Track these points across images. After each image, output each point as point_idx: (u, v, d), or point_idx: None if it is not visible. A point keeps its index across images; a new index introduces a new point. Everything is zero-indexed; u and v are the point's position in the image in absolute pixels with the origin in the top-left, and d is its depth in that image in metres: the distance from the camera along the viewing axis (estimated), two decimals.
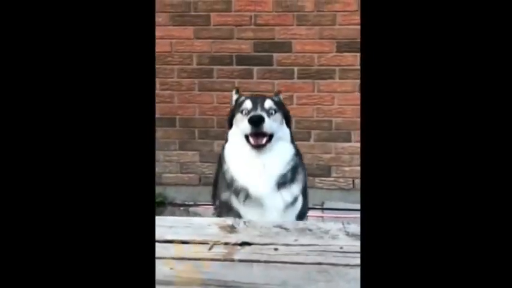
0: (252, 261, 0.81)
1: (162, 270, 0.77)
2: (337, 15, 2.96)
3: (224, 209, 1.65)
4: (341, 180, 3.12)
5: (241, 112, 1.62)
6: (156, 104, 2.92)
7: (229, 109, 1.81)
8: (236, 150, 1.62)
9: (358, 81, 2.91)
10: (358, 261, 0.71)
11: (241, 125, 1.59)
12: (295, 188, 1.61)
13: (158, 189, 3.01)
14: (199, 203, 3.05)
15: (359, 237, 0.81)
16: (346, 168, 3.10)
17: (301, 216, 1.69)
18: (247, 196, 1.56)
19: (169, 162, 3.19)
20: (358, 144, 2.92)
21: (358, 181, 3.08)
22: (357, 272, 0.72)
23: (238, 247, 0.86)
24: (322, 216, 2.89)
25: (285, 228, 0.92)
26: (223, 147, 1.69)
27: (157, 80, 3.04)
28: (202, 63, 3.08)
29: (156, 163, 2.97)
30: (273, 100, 1.66)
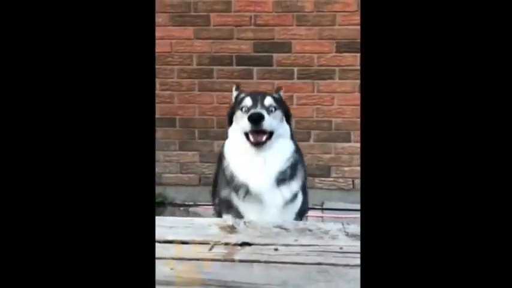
0: (252, 261, 0.82)
1: (162, 270, 0.77)
2: (336, 16, 2.96)
3: (224, 206, 1.64)
4: (341, 180, 3.12)
5: (241, 109, 1.61)
6: (156, 104, 2.92)
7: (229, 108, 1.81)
8: (236, 147, 1.61)
9: (358, 81, 2.91)
10: (358, 261, 0.71)
11: (241, 123, 1.58)
12: (295, 185, 1.61)
13: (158, 190, 3.01)
14: (199, 203, 3.05)
15: (359, 237, 0.81)
16: (346, 169, 3.10)
17: (301, 214, 1.69)
18: (247, 192, 1.56)
19: (169, 162, 3.19)
20: (358, 145, 2.92)
21: (357, 181, 3.08)
22: (356, 272, 0.72)
23: (239, 247, 0.86)
24: (322, 217, 2.89)
25: (285, 229, 0.92)
26: (223, 144, 1.68)
27: (157, 81, 3.04)
28: (202, 63, 3.08)
29: (156, 163, 2.97)
30: (273, 97, 1.65)
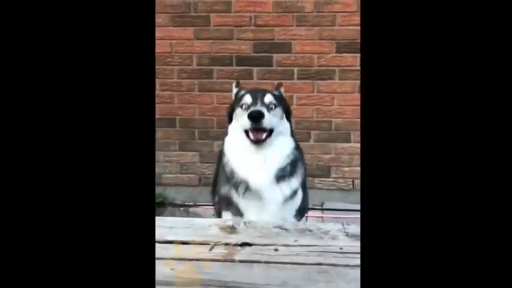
0: (253, 261, 0.82)
1: (162, 270, 0.77)
2: (336, 16, 2.96)
3: (223, 204, 1.64)
4: (341, 180, 3.12)
5: (241, 107, 1.60)
6: (156, 105, 2.92)
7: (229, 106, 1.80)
8: (236, 144, 1.61)
9: (358, 81, 2.91)
10: (357, 261, 0.71)
11: (241, 120, 1.57)
12: (295, 182, 1.60)
13: (158, 190, 3.01)
14: (199, 204, 3.05)
15: (359, 237, 0.81)
16: (346, 169, 3.10)
17: (302, 211, 1.68)
18: (247, 189, 1.56)
19: (169, 162, 3.19)
20: (358, 145, 2.92)
21: (357, 181, 3.08)
22: (356, 273, 0.72)
23: (239, 248, 0.86)
24: (321, 217, 2.89)
25: (285, 229, 0.92)
26: (223, 141, 1.68)
27: (157, 81, 3.04)
28: (202, 63, 3.08)
29: (156, 163, 2.98)
30: (273, 94, 1.64)
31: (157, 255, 0.75)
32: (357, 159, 3.00)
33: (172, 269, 0.79)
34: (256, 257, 0.83)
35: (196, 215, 2.97)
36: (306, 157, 1.89)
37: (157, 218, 0.86)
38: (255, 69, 3.04)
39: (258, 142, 1.54)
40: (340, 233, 0.90)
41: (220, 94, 3.03)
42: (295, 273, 0.78)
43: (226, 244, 0.87)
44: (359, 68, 2.80)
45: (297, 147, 1.65)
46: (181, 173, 3.21)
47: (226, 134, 1.68)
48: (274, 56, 3.03)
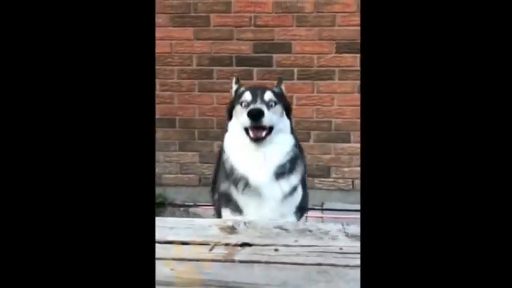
0: (253, 262, 0.82)
1: (162, 271, 0.77)
2: (336, 16, 2.96)
3: (223, 201, 1.63)
4: (340, 180, 3.12)
5: (241, 104, 1.60)
6: (156, 105, 2.92)
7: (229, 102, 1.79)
8: (236, 141, 1.60)
9: (358, 82, 2.91)
10: (357, 262, 0.71)
11: (241, 118, 1.56)
12: (294, 179, 1.60)
13: (158, 190, 3.01)
14: (199, 204, 3.05)
15: (358, 238, 0.81)
16: (346, 169, 3.10)
17: (302, 208, 1.68)
18: (247, 185, 1.55)
19: (169, 163, 3.19)
20: (358, 145, 2.93)
21: (357, 182, 3.09)
22: (356, 273, 0.72)
23: (239, 248, 0.86)
24: (321, 217, 2.89)
25: (285, 229, 0.92)
26: (223, 138, 1.67)
27: (157, 81, 3.05)
28: (202, 64, 3.08)
29: (156, 164, 2.98)
30: (273, 92, 1.63)
31: (157, 255, 0.75)
32: (357, 160, 3.00)
33: (172, 269, 0.79)
34: (256, 257, 0.83)
35: (196, 215, 2.97)
36: (306, 157, 1.89)
37: (157, 219, 0.86)
38: (255, 69, 3.04)
39: (257, 140, 1.53)
40: (340, 233, 0.91)
41: (220, 94, 3.03)
42: (295, 274, 0.78)
43: (227, 244, 0.87)
44: (359, 68, 2.81)
45: (297, 144, 1.64)
46: (181, 173, 3.21)
47: (226, 130, 1.68)
48: (274, 56, 3.03)
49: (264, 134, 1.53)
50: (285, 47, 3.02)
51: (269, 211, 1.55)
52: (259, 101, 1.56)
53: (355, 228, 0.91)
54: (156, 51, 2.85)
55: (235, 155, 1.59)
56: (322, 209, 2.98)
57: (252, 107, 1.52)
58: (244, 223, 0.95)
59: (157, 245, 0.81)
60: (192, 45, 3.07)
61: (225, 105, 1.77)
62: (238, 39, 3.04)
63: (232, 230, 0.93)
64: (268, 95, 1.59)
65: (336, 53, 2.99)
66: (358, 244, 0.72)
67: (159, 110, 3.03)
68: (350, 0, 2.93)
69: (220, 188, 1.65)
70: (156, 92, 3.03)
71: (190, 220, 1.00)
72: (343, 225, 0.93)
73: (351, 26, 2.92)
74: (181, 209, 3.11)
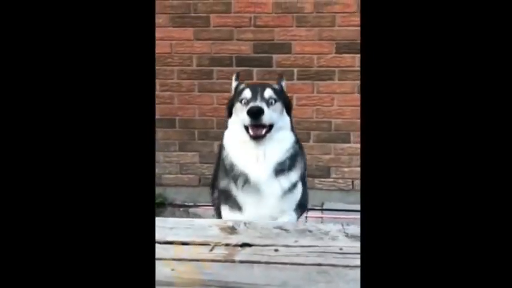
0: (253, 262, 0.82)
1: (163, 271, 0.77)
2: (336, 17, 2.96)
3: (222, 198, 1.63)
4: (340, 181, 3.12)
5: (241, 101, 1.58)
6: (156, 105, 2.92)
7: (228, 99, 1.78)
8: (236, 138, 1.60)
9: (358, 82, 2.92)
10: (357, 262, 0.71)
11: (241, 115, 1.55)
12: (294, 175, 1.59)
13: (158, 190, 3.02)
14: (199, 204, 3.05)
15: (358, 238, 0.81)
16: (346, 169, 3.10)
17: (302, 205, 1.67)
18: (246, 182, 1.54)
19: (169, 163, 3.19)
20: (357, 145, 2.93)
21: (357, 182, 3.09)
22: (356, 273, 0.72)
23: (239, 248, 0.86)
24: (321, 217, 2.89)
25: (285, 230, 0.92)
26: (223, 134, 1.67)
27: (157, 81, 3.05)
28: (202, 64, 3.08)
29: (156, 164, 2.98)
30: (273, 89, 1.62)
31: (158, 255, 0.75)
32: (357, 160, 3.00)
33: (172, 270, 0.79)
34: (256, 257, 0.83)
35: (196, 215, 2.97)
36: (306, 157, 1.89)
37: (158, 219, 0.86)
38: (255, 69, 3.04)
39: (257, 138, 1.52)
40: (340, 233, 0.91)
41: (220, 95, 3.03)
42: (296, 274, 0.78)
43: (227, 245, 0.87)
44: (358, 68, 2.81)
45: (297, 141, 1.64)
46: (181, 174, 3.21)
47: (226, 127, 1.67)
48: (274, 56, 3.03)
49: (263, 132, 1.52)
50: (285, 47, 3.02)
51: (269, 208, 1.55)
52: (259, 98, 1.55)
53: (355, 229, 0.91)
54: (156, 51, 2.85)
55: (235, 152, 1.59)
56: (322, 209, 2.99)
57: (251, 105, 1.51)
58: (245, 223, 0.95)
59: (157, 245, 0.81)
60: (192, 45, 3.07)
61: (225, 106, 1.76)
62: (238, 40, 3.04)
63: (232, 230, 0.93)
64: (268, 93, 1.58)
65: (336, 53, 2.99)
66: (358, 244, 0.72)
67: (159, 110, 3.04)
68: (350, 0, 2.93)
69: (219, 184, 1.65)
70: (156, 92, 3.03)
71: (191, 220, 1.00)
72: (343, 225, 0.93)
73: (350, 27, 2.92)
74: (181, 209, 3.12)
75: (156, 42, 2.71)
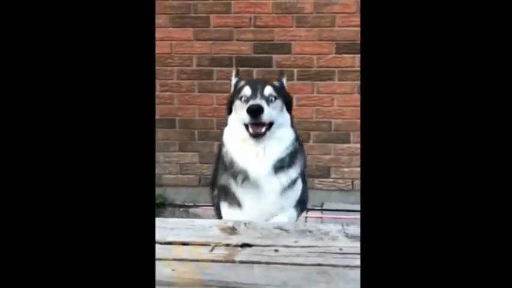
0: (253, 262, 0.82)
1: (163, 271, 0.78)
2: (336, 17, 2.96)
3: (222, 194, 1.62)
4: (340, 181, 3.12)
5: (241, 99, 1.57)
6: (156, 106, 2.92)
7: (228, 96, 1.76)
8: (235, 135, 1.59)
9: (357, 82, 2.92)
10: (357, 262, 0.71)
11: (241, 113, 1.54)
12: (293, 172, 1.57)
13: (158, 190, 3.02)
14: (199, 204, 3.05)
15: (358, 238, 0.81)
16: (346, 169, 3.10)
17: (302, 203, 1.66)
18: (246, 178, 1.53)
19: (169, 163, 3.20)
20: (357, 146, 2.93)
21: (357, 182, 3.09)
22: (356, 273, 0.72)
23: (239, 248, 0.86)
24: (321, 217, 2.89)
25: (285, 230, 0.93)
26: (222, 131, 1.66)
27: (157, 82, 3.05)
28: (202, 64, 3.08)
29: (156, 164, 2.98)
30: (273, 86, 1.60)
31: (158, 256, 0.75)
32: (357, 160, 3.01)
33: (173, 270, 0.79)
34: (256, 257, 0.83)
35: (196, 216, 2.97)
36: (306, 156, 1.89)
37: (158, 219, 0.86)
38: (255, 70, 3.04)
39: (257, 136, 1.51)
40: (340, 233, 0.91)
41: (220, 95, 3.03)
42: (296, 274, 0.78)
43: (227, 245, 0.87)
44: (358, 68, 2.81)
45: (297, 138, 1.62)
46: (181, 174, 3.21)
47: (225, 124, 1.66)
48: (274, 56, 3.03)
49: (263, 130, 1.51)
50: (284, 48, 3.02)
51: (268, 204, 1.54)
52: (259, 96, 1.53)
53: (355, 229, 0.91)
54: (156, 51, 2.85)
55: (234, 149, 1.58)
56: (322, 210, 2.99)
57: (251, 103, 1.50)
58: (245, 224, 0.95)
59: (158, 246, 0.81)
60: (192, 45, 3.07)
61: (225, 106, 1.75)
62: (238, 40, 3.04)
63: (232, 230, 0.93)
64: (268, 90, 1.57)
65: (336, 53, 2.99)
66: (358, 245, 0.72)
67: (159, 111, 3.04)
68: (350, 0, 2.93)
69: (219, 180, 1.64)
70: (156, 93, 3.03)
71: (191, 221, 1.00)
72: (343, 225, 0.93)
73: (350, 27, 2.93)
74: (181, 209, 3.12)
75: (156, 42, 2.71)
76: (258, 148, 1.54)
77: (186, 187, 3.19)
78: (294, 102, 2.96)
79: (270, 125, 1.53)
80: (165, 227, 0.92)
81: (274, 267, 0.80)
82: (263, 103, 1.50)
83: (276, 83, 1.65)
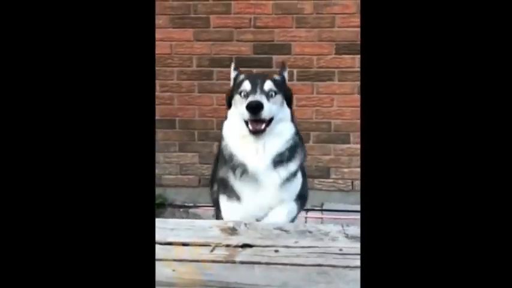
0: (253, 263, 0.82)
1: (164, 271, 0.78)
2: (336, 18, 2.96)
3: (221, 187, 1.61)
4: (340, 181, 3.12)
5: (240, 94, 1.55)
6: (156, 106, 2.92)
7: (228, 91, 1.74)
8: (235, 131, 1.57)
9: (357, 83, 2.92)
10: (357, 263, 0.71)
11: (240, 108, 1.52)
12: (293, 166, 1.56)
13: (158, 191, 3.02)
14: (199, 205, 3.05)
15: (358, 239, 0.81)
16: (345, 170, 3.10)
17: (302, 197, 1.65)
18: (244, 172, 1.53)
19: (169, 163, 3.19)
20: (357, 146, 2.93)
21: (356, 182, 3.09)
22: (356, 274, 0.72)
23: (240, 249, 0.86)
24: (321, 218, 2.89)
25: (286, 231, 0.93)
26: (222, 125, 1.64)
27: (157, 82, 3.05)
28: (202, 65, 3.08)
29: (156, 165, 2.98)
30: (273, 80, 1.57)
31: (158, 256, 0.75)
32: (356, 160, 3.00)
33: (173, 270, 0.79)
34: (256, 258, 0.83)
35: (196, 216, 2.97)
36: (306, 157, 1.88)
37: (158, 220, 0.87)
38: (255, 70, 3.04)
39: (257, 133, 1.50)
40: (340, 234, 0.91)
41: (220, 95, 3.02)
42: (296, 274, 0.78)
43: (227, 245, 0.87)
44: (358, 69, 2.81)
45: (297, 133, 1.61)
46: (181, 174, 3.21)
47: (225, 118, 1.64)
48: (274, 57, 3.03)
49: (263, 126, 1.49)
50: (284, 48, 3.02)
51: (267, 198, 1.53)
52: (258, 91, 1.51)
53: (355, 229, 0.91)
54: (156, 52, 2.85)
55: (234, 144, 1.56)
56: (322, 210, 2.99)
57: (251, 99, 1.48)
58: (245, 224, 0.95)
59: (158, 246, 0.81)
60: (192, 46, 3.07)
61: (224, 106, 1.75)
62: (238, 41, 3.04)
63: (232, 231, 0.93)
64: (268, 85, 1.54)
65: (336, 54, 2.99)
66: (358, 245, 0.72)
67: (159, 111, 3.04)
68: (350, 1, 2.93)
69: (218, 174, 1.63)
70: (156, 93, 3.03)
71: (191, 221, 1.00)
72: (343, 226, 0.93)
73: (350, 27, 2.92)
74: (181, 209, 3.12)
75: (156, 43, 2.71)
76: (257, 145, 1.53)
77: (186, 187, 3.19)
78: (294, 102, 2.98)
79: (270, 120, 1.52)
80: (165, 228, 0.92)
81: (275, 268, 0.80)
82: (263, 99, 1.48)
83: (277, 77, 1.62)
